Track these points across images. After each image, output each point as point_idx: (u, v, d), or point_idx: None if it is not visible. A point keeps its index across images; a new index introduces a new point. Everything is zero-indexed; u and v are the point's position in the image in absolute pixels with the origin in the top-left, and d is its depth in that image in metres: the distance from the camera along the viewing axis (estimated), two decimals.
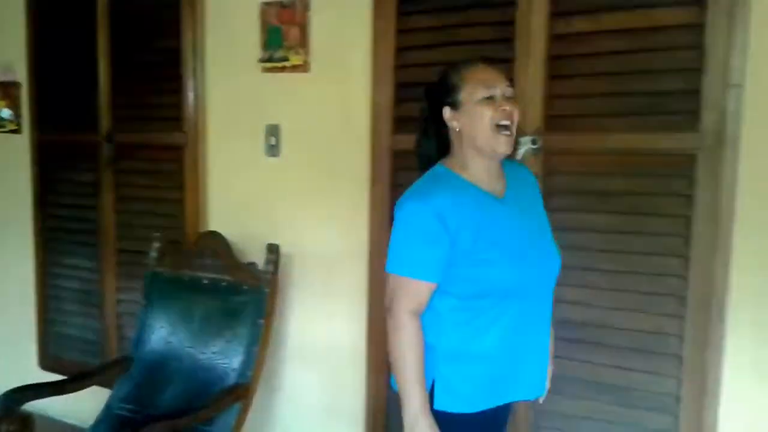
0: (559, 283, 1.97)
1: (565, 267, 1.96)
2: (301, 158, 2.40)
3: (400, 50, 2.17)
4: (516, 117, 1.43)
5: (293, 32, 2.36)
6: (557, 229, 1.96)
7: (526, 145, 1.96)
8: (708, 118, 1.74)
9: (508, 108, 1.41)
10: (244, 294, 2.27)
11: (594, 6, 1.86)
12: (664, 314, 1.85)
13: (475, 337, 1.41)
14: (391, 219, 2.18)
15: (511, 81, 1.47)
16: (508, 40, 1.98)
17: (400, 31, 2.16)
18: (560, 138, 1.93)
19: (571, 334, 1.93)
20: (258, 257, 2.31)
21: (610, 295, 1.90)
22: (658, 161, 1.83)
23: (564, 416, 1.97)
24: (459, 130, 1.45)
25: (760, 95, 1.70)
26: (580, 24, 1.89)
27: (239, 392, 2.15)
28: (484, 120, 1.40)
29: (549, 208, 1.96)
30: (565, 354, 1.95)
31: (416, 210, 1.40)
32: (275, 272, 2.27)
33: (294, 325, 2.45)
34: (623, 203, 1.87)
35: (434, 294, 1.41)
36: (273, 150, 2.44)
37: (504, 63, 1.98)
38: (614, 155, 1.87)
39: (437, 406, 1.40)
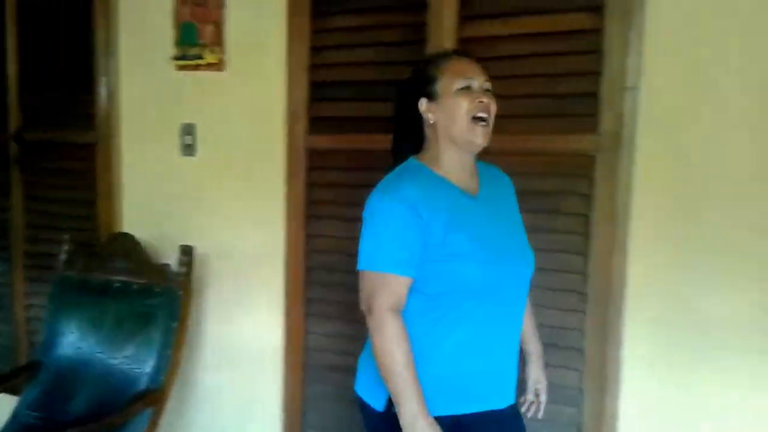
0: None
1: None
2: (218, 157, 2.36)
3: (316, 50, 2.17)
4: (493, 110, 1.42)
5: (208, 30, 2.32)
6: None
7: None
8: (606, 120, 1.82)
9: (485, 100, 1.40)
10: (156, 297, 2.22)
11: (501, 10, 1.91)
12: (566, 309, 1.91)
13: (444, 336, 1.37)
14: (307, 217, 2.23)
15: None
16: (421, 42, 2.00)
17: (316, 31, 2.16)
18: None
19: None
20: (174, 259, 2.26)
21: None
22: (560, 162, 1.89)
23: None
24: (434, 123, 1.43)
25: (654, 97, 1.78)
26: (488, 28, 1.93)
27: (151, 397, 2.10)
28: (461, 111, 1.38)
29: None
30: None
31: (388, 203, 1.36)
32: (189, 274, 2.22)
33: (210, 327, 2.42)
34: (527, 202, 1.89)
35: None
36: (189, 149, 2.40)
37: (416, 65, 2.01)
38: (520, 156, 1.92)
39: None
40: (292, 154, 2.22)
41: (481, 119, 1.40)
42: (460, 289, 1.36)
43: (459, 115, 1.38)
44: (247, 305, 2.35)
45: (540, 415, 1.69)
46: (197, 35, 2.34)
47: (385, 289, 1.33)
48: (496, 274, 1.38)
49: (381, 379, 1.35)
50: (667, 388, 1.81)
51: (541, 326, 1.92)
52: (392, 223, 1.34)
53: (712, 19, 1.71)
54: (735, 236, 1.72)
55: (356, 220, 2.14)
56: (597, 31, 1.81)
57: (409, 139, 1.50)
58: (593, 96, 1.83)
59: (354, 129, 2.13)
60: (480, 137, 1.40)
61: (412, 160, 1.47)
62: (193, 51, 2.35)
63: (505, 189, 1.59)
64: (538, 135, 1.90)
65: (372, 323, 1.34)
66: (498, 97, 1.93)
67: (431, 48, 1.98)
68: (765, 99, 1.67)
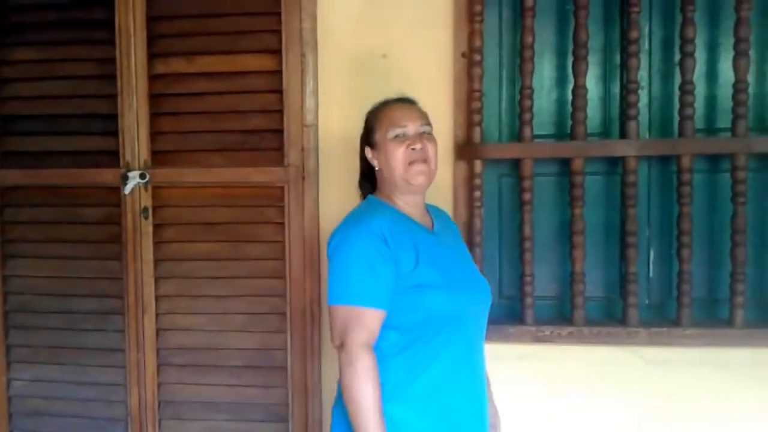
0: (172, 311, 2.06)
1: (177, 296, 2.06)
2: None
3: (3, 82, 2.07)
4: (431, 152, 1.44)
5: None
6: (167, 259, 2.05)
7: (134, 180, 2.00)
8: (291, 154, 1.97)
9: (417, 146, 1.42)
10: None
11: (187, 49, 1.98)
12: (269, 331, 2.02)
13: (420, 371, 1.36)
14: (2, 258, 2.11)
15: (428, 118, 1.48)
16: (112, 77, 2.00)
17: (2, 62, 2.06)
18: (166, 172, 2.01)
19: (186, 360, 2.03)
20: None
21: (219, 318, 2.02)
22: (254, 193, 2.00)
23: None
24: (379, 168, 1.47)
25: (329, 133, 1.96)
26: (176, 65, 1.99)
27: None
28: (397, 158, 1.42)
29: (159, 239, 2.05)
30: (182, 379, 2.04)
31: (358, 236, 1.35)
32: None
33: None
34: (227, 232, 2.01)
35: None
36: None
37: (109, 99, 2.01)
38: (216, 188, 2.00)
39: None
40: None
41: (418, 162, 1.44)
42: (432, 320, 1.37)
43: (395, 161, 1.43)
44: None
45: None
46: None
47: (359, 323, 1.32)
48: (463, 304, 1.41)
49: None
50: None
51: (245, 350, 2.03)
52: (364, 256, 1.34)
53: (374, 63, 1.93)
54: None
55: (57, 258, 2.10)
56: (277, 73, 1.95)
57: (368, 180, 1.55)
58: (279, 132, 1.97)
59: (48, 164, 2.06)
60: (418, 177, 1.43)
61: (371, 198, 1.51)
62: None
63: (451, 225, 1.64)
64: (232, 168, 1.99)
65: (344, 358, 1.32)
66: (189, 132, 2.02)
67: (122, 83, 1.99)
68: None
